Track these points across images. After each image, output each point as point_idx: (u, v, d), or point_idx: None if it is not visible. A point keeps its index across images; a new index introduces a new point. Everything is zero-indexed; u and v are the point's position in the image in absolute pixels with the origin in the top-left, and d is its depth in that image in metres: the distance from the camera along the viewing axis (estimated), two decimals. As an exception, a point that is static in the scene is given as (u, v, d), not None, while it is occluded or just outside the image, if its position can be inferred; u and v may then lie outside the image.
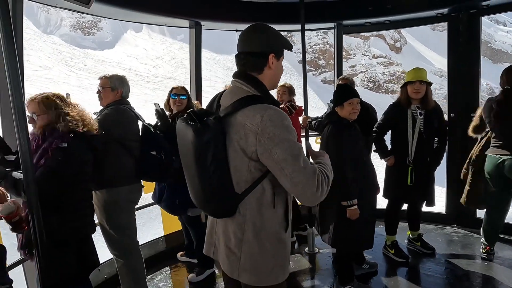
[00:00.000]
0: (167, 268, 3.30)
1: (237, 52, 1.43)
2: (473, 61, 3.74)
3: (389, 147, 3.29)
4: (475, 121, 3.11)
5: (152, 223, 5.64)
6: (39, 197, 1.59)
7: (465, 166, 3.24)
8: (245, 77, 1.40)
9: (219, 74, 39.58)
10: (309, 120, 3.49)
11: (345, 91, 2.64)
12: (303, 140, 3.23)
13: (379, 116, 3.39)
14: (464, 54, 3.76)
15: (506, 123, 2.86)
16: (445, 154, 3.44)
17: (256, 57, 1.39)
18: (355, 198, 2.48)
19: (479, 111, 3.07)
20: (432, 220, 4.00)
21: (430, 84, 3.12)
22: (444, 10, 3.73)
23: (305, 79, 3.27)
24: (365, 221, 2.58)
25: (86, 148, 1.99)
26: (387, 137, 3.32)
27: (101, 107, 2.51)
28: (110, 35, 44.96)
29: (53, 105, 1.89)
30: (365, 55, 50.29)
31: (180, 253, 3.45)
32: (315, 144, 3.65)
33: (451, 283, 2.89)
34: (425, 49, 57.33)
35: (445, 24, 3.93)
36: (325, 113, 3.23)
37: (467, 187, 3.17)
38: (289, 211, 1.45)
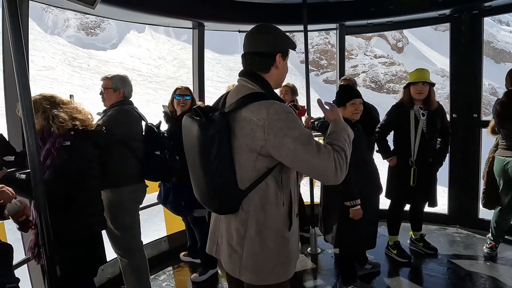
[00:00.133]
0: (170, 268, 3.31)
1: (243, 52, 1.45)
2: (475, 62, 3.73)
3: (392, 147, 3.29)
4: (492, 121, 3.10)
5: (153, 220, 5.67)
6: (47, 197, 1.60)
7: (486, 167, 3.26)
8: (251, 76, 1.41)
9: (221, 74, 39.67)
10: (312, 120, 3.49)
11: (347, 91, 2.64)
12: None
13: (382, 117, 3.39)
14: (466, 54, 3.76)
15: (509, 125, 2.85)
16: (447, 155, 3.44)
17: (262, 57, 1.41)
18: (358, 198, 2.49)
19: None
20: (435, 221, 4.00)
21: (433, 84, 3.11)
22: (446, 11, 3.73)
23: (307, 81, 3.27)
24: (368, 221, 2.59)
25: (90, 145, 2.01)
26: (390, 138, 3.32)
27: (105, 108, 2.52)
28: (113, 35, 45.12)
29: (40, 108, 1.87)
30: (367, 55, 50.23)
31: (182, 253, 3.46)
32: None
33: (453, 284, 2.88)
34: (427, 49, 57.16)
35: (447, 24, 3.92)
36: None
37: (483, 188, 3.19)
38: (293, 210, 1.45)
